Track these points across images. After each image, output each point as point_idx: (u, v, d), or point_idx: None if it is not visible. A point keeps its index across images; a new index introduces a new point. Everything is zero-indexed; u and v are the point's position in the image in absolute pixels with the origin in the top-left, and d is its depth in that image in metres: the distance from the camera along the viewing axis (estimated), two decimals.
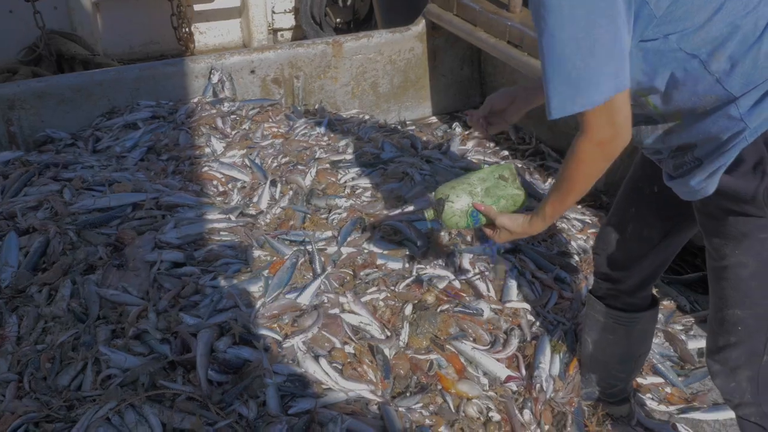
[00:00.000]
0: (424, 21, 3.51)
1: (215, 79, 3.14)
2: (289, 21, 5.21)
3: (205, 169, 2.62)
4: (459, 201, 1.67)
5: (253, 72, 3.26)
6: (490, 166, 1.78)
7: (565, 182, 1.39)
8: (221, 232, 2.19)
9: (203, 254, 2.06)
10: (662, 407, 2.07)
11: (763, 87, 1.25)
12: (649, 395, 2.11)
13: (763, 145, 1.27)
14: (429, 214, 1.73)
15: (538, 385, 1.96)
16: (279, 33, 5.23)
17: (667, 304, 2.41)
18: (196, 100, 3.09)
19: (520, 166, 2.95)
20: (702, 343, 2.27)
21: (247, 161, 2.69)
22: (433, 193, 1.73)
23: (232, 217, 2.29)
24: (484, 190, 1.67)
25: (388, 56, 3.53)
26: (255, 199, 2.49)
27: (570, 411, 1.96)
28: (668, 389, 2.13)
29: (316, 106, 3.38)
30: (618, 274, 1.74)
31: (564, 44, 1.18)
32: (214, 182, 2.57)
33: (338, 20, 5.16)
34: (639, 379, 2.13)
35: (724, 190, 1.32)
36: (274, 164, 2.70)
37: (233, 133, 2.89)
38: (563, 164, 1.39)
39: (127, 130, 2.89)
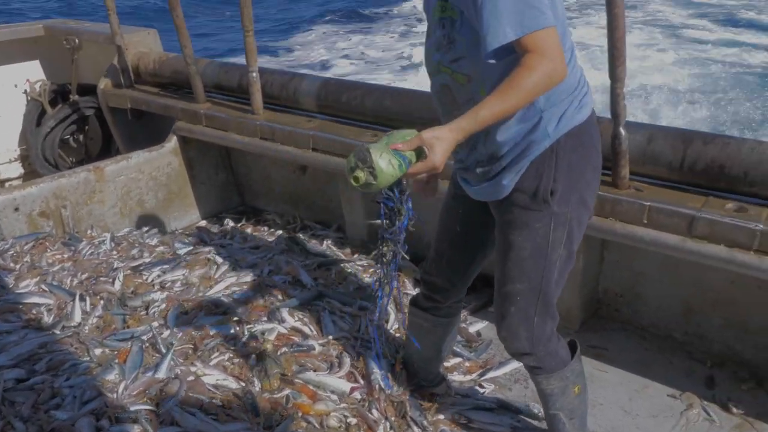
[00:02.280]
0: (175, 137, 3.86)
1: None
2: (16, 170, 5.07)
3: (2, 304, 2.57)
4: (376, 148, 1.45)
5: (17, 209, 3.24)
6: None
7: (511, 89, 1.45)
8: (54, 345, 2.22)
9: (44, 365, 2.08)
10: (467, 377, 2.61)
11: (562, 105, 1.64)
12: (456, 372, 2.64)
13: (549, 152, 1.66)
14: (361, 175, 1.45)
15: (377, 386, 2.36)
16: (7, 183, 5.04)
17: None
18: None
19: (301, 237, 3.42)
20: (478, 327, 2.91)
21: (44, 287, 2.69)
22: (349, 161, 1.47)
23: (57, 331, 2.33)
24: (386, 138, 1.53)
25: (149, 173, 3.77)
26: (68, 317, 2.53)
27: (406, 400, 2.38)
28: (467, 363, 2.69)
29: (89, 231, 3.45)
30: (440, 295, 2.16)
31: None
32: (17, 313, 2.54)
33: (71, 159, 5.17)
34: (449, 362, 2.66)
35: (517, 187, 1.70)
36: (75, 282, 2.75)
37: (17, 266, 2.86)
38: (510, 77, 1.46)
39: None
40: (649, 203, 2.32)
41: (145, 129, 4.32)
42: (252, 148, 3.52)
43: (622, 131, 2.33)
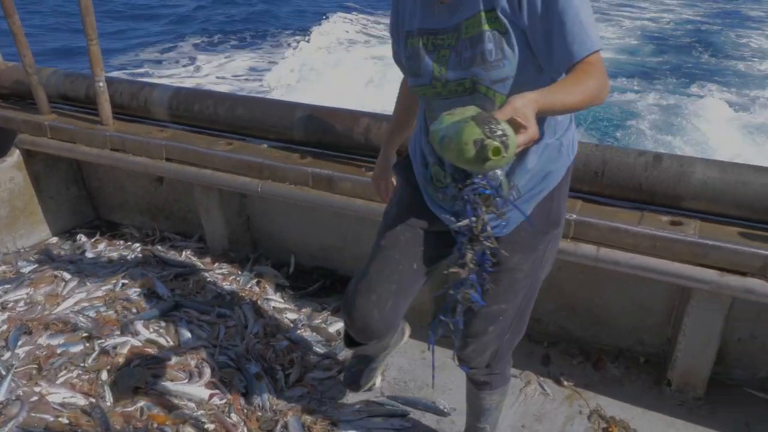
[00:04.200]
0: (17, 150, 3.65)
1: None
2: None
3: None
4: (491, 114, 1.22)
5: None
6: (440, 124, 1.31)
7: (577, 86, 1.35)
8: None
9: None
10: (326, 373, 2.70)
11: (571, 130, 1.64)
12: (316, 370, 2.72)
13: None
14: (496, 145, 1.16)
15: (237, 394, 2.40)
16: None
17: (305, 310, 3.10)
18: None
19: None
20: (338, 327, 3.01)
21: None
22: (470, 134, 1.18)
23: None
24: (462, 112, 1.30)
25: None
26: None
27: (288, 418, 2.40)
28: (326, 361, 2.78)
29: None
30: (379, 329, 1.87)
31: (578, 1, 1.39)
32: None
33: None
34: (308, 360, 2.74)
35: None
36: None
37: None
38: (573, 77, 1.38)
39: None
40: None
41: None
42: (103, 160, 3.41)
43: None
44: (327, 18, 16.62)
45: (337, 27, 15.78)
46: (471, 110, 1.28)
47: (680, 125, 9.37)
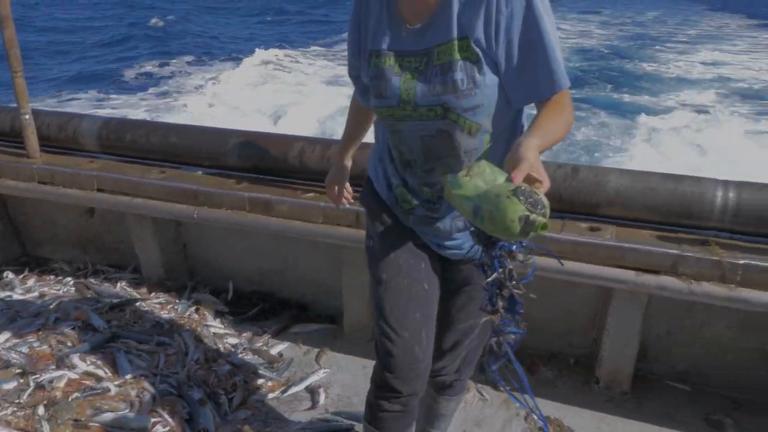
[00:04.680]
0: None
1: None
2: None
3: None
4: (526, 187, 1.20)
5: None
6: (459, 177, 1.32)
7: (558, 122, 1.40)
8: None
9: None
10: (270, 395, 2.72)
11: None
12: (259, 392, 2.73)
13: None
14: (539, 220, 1.17)
15: (180, 416, 2.39)
16: None
17: (245, 334, 3.11)
18: None
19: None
20: (279, 348, 3.04)
21: None
22: (513, 210, 1.17)
23: None
24: (489, 171, 1.30)
25: None
26: None
27: None
28: (269, 383, 2.79)
29: None
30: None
31: (555, 37, 1.43)
32: None
33: None
34: (252, 384, 2.75)
35: None
36: None
37: None
38: (550, 111, 1.41)
39: None
40: None
41: None
42: (30, 193, 3.35)
43: None
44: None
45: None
46: (485, 166, 1.29)
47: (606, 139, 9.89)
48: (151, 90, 13.53)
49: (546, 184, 1.21)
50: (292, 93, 12.61)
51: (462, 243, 1.69)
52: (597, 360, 2.72)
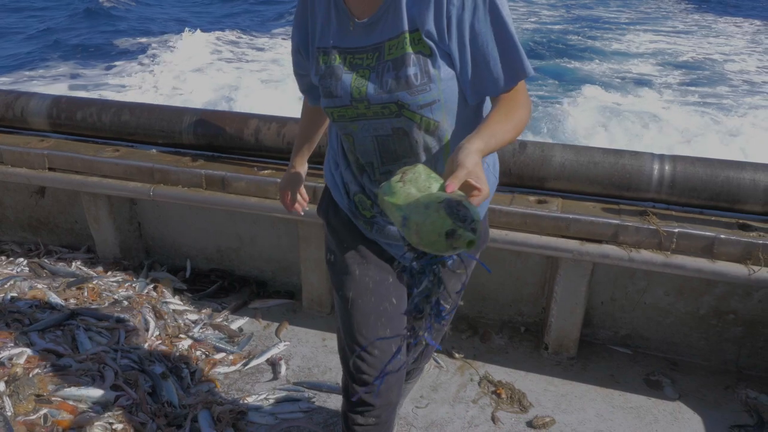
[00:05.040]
0: None
1: None
2: None
3: None
4: (457, 197, 1.12)
5: None
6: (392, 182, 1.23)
7: (512, 120, 1.34)
8: None
9: None
10: (232, 368, 2.78)
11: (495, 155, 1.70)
12: (220, 365, 2.79)
13: None
14: (467, 235, 1.09)
15: (143, 389, 2.43)
16: None
17: (205, 311, 3.15)
18: None
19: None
20: (239, 323, 3.09)
21: None
22: (440, 224, 1.09)
23: None
24: (414, 177, 1.22)
25: None
26: None
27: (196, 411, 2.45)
28: (231, 356, 2.85)
29: None
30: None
31: (511, 26, 1.36)
32: None
33: None
34: (213, 358, 2.80)
35: None
36: None
37: None
38: (505, 108, 1.36)
39: None
40: None
41: None
42: None
43: None
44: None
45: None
46: (421, 171, 1.21)
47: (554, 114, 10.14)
48: (98, 68, 13.14)
49: (484, 193, 1.13)
50: (243, 73, 12.44)
51: None
52: (545, 327, 2.87)
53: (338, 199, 1.68)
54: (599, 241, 2.53)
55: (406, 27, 1.37)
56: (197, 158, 3.03)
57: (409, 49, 1.36)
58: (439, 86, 1.38)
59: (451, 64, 1.39)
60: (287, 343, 2.95)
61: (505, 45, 1.35)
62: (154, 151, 3.15)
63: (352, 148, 1.55)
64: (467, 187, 1.14)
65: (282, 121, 2.94)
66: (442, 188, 1.15)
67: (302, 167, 1.98)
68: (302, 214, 2.05)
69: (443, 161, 1.49)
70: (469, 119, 1.50)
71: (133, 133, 3.18)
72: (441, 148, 1.48)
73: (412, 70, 1.37)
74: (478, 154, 1.19)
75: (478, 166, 1.17)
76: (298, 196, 2.00)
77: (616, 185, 2.61)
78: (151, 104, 3.22)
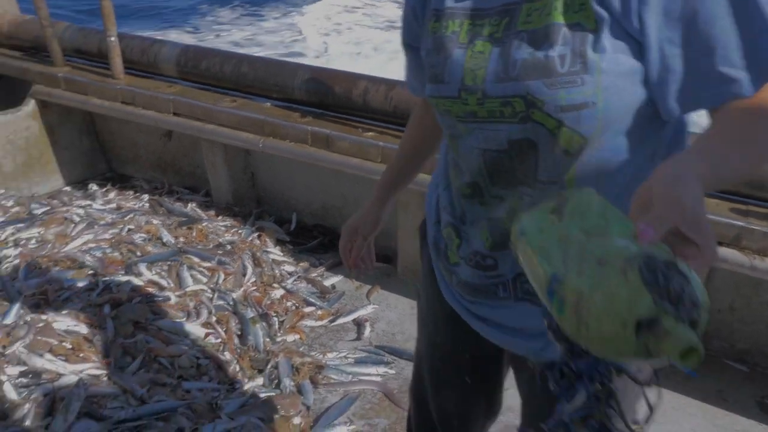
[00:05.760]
0: (33, 101, 3.79)
1: None
2: None
3: None
4: (661, 254, 0.63)
5: None
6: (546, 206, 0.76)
7: (756, 146, 0.80)
8: None
9: None
10: (318, 322, 2.85)
11: None
12: (308, 318, 2.86)
13: None
14: (686, 335, 0.60)
15: (236, 336, 2.55)
16: None
17: (302, 264, 3.23)
18: None
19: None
20: (333, 281, 3.14)
21: None
22: (640, 307, 0.60)
23: None
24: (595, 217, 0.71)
25: (5, 137, 3.69)
26: None
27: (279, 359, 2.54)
28: (319, 311, 2.91)
29: None
30: None
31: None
32: None
33: None
34: (302, 310, 2.88)
35: None
36: None
37: None
38: (751, 125, 0.81)
39: None
40: None
41: (3, 93, 4.19)
42: (114, 112, 3.54)
43: None
44: None
45: None
46: (592, 200, 0.71)
47: None
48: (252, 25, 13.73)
49: (707, 257, 0.63)
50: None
51: (529, 327, 1.06)
52: None
53: (428, 225, 1.23)
54: (719, 243, 2.28)
55: None
56: (306, 114, 3.08)
57: (559, 18, 0.86)
58: (597, 81, 0.84)
59: (633, 51, 0.85)
60: (376, 306, 2.96)
61: (750, 24, 0.80)
62: (268, 104, 3.24)
63: (456, 158, 1.06)
64: (677, 240, 0.63)
65: (390, 84, 2.90)
66: (629, 232, 0.65)
67: (384, 204, 1.40)
68: (369, 272, 1.49)
69: None
70: (649, 148, 0.94)
71: (250, 86, 3.28)
72: (576, 185, 0.94)
73: (558, 50, 0.85)
74: (699, 183, 0.66)
75: (698, 202, 0.64)
76: (365, 248, 1.44)
77: (747, 183, 2.34)
78: (268, 58, 3.31)
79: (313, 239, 3.48)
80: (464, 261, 1.10)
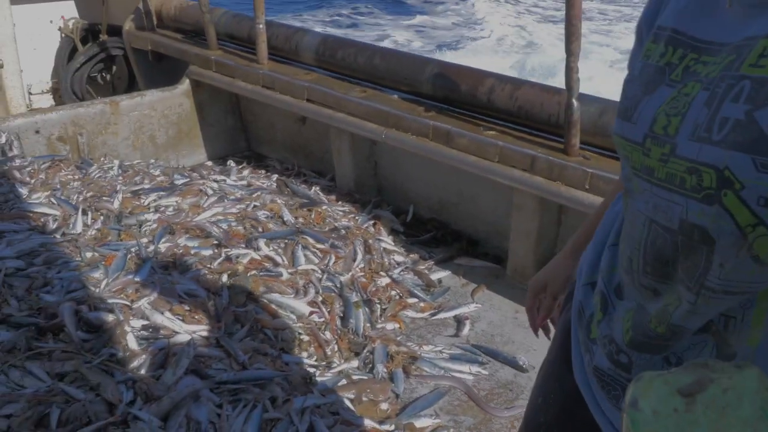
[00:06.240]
0: (188, 80, 4.15)
1: (2, 139, 3.41)
2: (47, 101, 5.44)
3: (15, 210, 2.91)
4: None
5: (38, 132, 3.59)
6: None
7: None
8: (53, 246, 2.55)
9: (41, 260, 2.42)
10: (419, 314, 2.89)
11: None
12: (410, 309, 2.91)
13: None
14: None
15: (338, 317, 2.67)
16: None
17: (412, 255, 3.29)
18: None
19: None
20: (440, 275, 3.17)
21: (53, 200, 3.04)
22: None
23: (57, 236, 2.66)
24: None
25: (161, 111, 4.09)
26: (70, 228, 2.86)
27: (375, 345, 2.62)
28: (422, 304, 2.96)
29: (102, 159, 3.79)
30: None
31: None
32: (26, 221, 2.88)
33: (99, 96, 5.53)
34: (405, 301, 2.93)
35: None
36: (80, 198, 3.08)
37: (32, 181, 3.20)
38: None
39: None
40: (591, 170, 2.54)
41: (164, 71, 4.62)
42: (256, 95, 3.79)
43: (575, 102, 2.53)
44: None
45: None
46: (747, 392, 0.53)
47: None
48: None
49: None
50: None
51: None
52: None
53: (578, 284, 1.03)
54: None
55: None
56: (430, 109, 3.11)
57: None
58: None
59: None
60: (479, 305, 2.95)
61: None
62: (396, 96, 3.31)
63: (625, 221, 0.85)
64: None
65: (517, 84, 2.86)
66: None
67: (577, 260, 1.16)
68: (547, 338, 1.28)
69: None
70: None
71: (381, 77, 3.37)
72: (746, 323, 0.72)
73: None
74: None
75: None
76: (551, 310, 1.26)
77: None
78: (400, 51, 3.38)
79: (427, 233, 3.52)
80: (600, 342, 0.89)
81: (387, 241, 3.33)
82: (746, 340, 0.69)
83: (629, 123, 0.77)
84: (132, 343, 2.12)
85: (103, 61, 5.16)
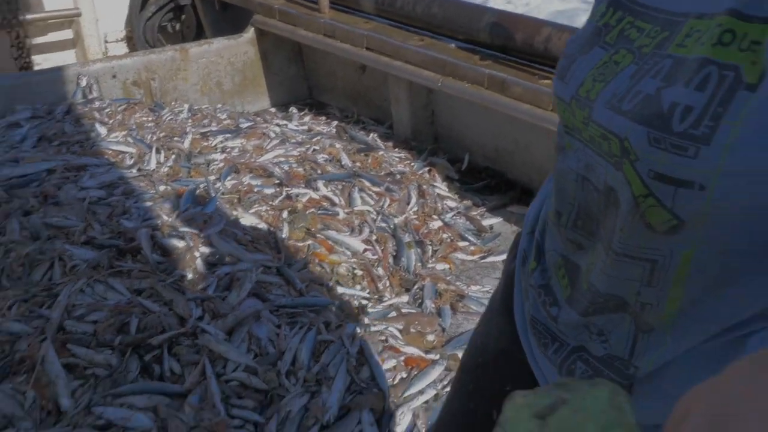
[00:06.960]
0: (252, 28, 4.29)
1: (83, 83, 3.66)
2: (122, 48, 5.71)
3: (95, 148, 3.16)
4: None
5: (114, 76, 3.83)
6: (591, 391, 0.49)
7: None
8: (130, 180, 2.78)
9: (120, 191, 2.65)
10: (469, 257, 3.00)
11: None
12: (460, 252, 3.03)
13: None
14: None
15: (391, 255, 2.81)
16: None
17: (465, 202, 3.38)
18: (68, 101, 3.59)
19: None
20: (492, 221, 3.26)
21: (130, 139, 3.27)
22: None
23: (134, 171, 2.89)
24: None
25: (227, 59, 4.26)
26: (145, 164, 3.09)
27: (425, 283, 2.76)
28: (472, 248, 3.06)
29: (173, 103, 4.01)
30: None
31: None
32: (105, 157, 3.12)
33: (170, 44, 5.76)
34: (456, 243, 3.05)
35: None
36: (154, 138, 3.31)
37: (110, 122, 3.44)
38: None
39: (10, 129, 3.31)
40: None
41: (230, 20, 4.78)
42: (317, 44, 3.90)
43: None
44: None
45: None
46: (593, 414, 0.48)
47: None
48: None
49: None
50: None
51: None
52: None
53: (523, 234, 1.03)
54: None
55: (735, 4, 0.59)
56: (486, 58, 3.15)
57: (717, 54, 0.60)
58: (719, 163, 0.58)
59: None
60: None
61: None
62: (453, 45, 3.36)
63: (557, 173, 0.84)
64: None
65: (575, 32, 2.86)
66: None
67: None
68: None
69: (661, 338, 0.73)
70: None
71: (439, 26, 3.42)
72: (661, 295, 0.70)
73: (688, 97, 0.60)
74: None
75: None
76: None
77: None
78: (457, 0, 3.40)
79: (481, 181, 3.60)
80: (534, 290, 0.89)
81: (441, 187, 3.43)
82: (662, 317, 0.71)
83: (562, 82, 0.78)
84: (200, 267, 2.32)
85: (172, 10, 5.37)
